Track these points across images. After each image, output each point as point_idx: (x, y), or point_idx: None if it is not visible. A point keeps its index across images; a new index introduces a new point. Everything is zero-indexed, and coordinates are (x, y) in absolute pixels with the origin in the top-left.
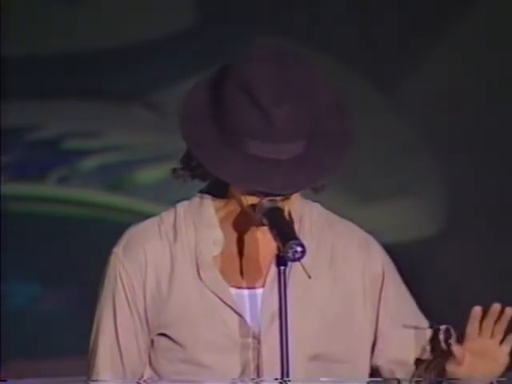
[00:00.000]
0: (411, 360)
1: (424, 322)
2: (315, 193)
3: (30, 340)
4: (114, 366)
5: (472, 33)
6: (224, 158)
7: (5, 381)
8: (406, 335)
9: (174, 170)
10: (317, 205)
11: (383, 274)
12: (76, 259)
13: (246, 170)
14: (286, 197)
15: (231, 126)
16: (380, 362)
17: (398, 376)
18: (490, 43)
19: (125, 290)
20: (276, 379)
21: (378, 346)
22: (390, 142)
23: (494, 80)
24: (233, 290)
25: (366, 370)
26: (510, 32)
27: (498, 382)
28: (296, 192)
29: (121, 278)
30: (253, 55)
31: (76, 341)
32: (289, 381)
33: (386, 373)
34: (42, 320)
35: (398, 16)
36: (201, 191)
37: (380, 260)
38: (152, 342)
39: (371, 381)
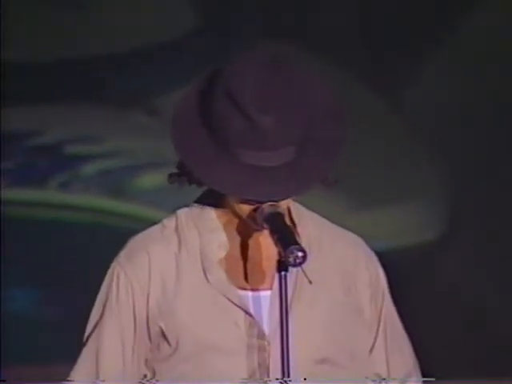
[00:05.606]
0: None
1: (407, 342)
2: (326, 188)
3: (30, 345)
4: (90, 372)
5: (472, 38)
6: (212, 166)
7: (4, 381)
8: (395, 357)
9: (171, 175)
10: (313, 213)
11: (383, 292)
12: (76, 264)
13: (233, 177)
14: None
15: (219, 134)
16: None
17: None
18: (489, 49)
19: (123, 296)
20: (277, 379)
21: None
22: (390, 147)
23: (493, 85)
24: (239, 292)
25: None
26: (510, 39)
27: None
28: (284, 199)
29: (121, 285)
30: (242, 60)
31: (76, 346)
32: (290, 381)
33: None
34: (42, 325)
35: (399, 21)
36: (198, 199)
37: (383, 277)
38: (153, 346)
39: (371, 381)
